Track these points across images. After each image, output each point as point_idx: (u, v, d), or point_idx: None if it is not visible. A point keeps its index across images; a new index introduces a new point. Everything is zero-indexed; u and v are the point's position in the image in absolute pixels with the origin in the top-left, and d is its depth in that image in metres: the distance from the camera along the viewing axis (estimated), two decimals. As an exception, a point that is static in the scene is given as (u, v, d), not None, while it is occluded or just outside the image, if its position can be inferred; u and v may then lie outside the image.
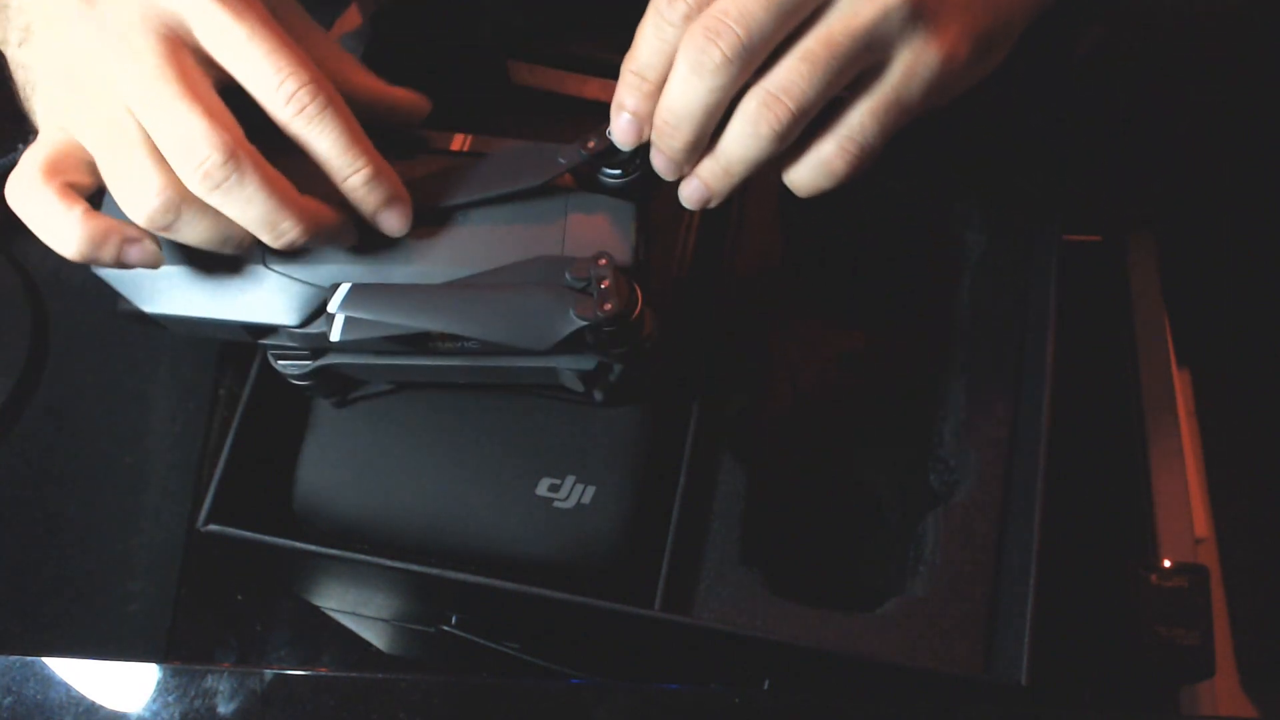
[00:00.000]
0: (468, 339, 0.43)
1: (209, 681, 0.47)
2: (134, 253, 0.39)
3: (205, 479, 0.60)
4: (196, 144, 0.37)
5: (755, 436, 0.53)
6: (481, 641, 0.57)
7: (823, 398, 0.58)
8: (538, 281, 0.42)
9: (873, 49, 0.37)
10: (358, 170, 0.40)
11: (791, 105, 0.37)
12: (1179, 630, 0.54)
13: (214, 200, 0.38)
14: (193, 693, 0.46)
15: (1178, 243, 0.67)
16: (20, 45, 0.42)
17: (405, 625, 0.63)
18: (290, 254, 0.42)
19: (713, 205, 0.41)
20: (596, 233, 0.43)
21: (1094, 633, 0.56)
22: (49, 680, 0.47)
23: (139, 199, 0.38)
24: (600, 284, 0.40)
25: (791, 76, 0.37)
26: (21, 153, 0.63)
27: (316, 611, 0.63)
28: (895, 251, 0.61)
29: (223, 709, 0.46)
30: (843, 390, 0.58)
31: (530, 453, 0.49)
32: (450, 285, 0.42)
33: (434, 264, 0.43)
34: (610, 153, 0.42)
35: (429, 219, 0.43)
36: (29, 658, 0.47)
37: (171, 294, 0.43)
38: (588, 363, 0.45)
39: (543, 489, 0.49)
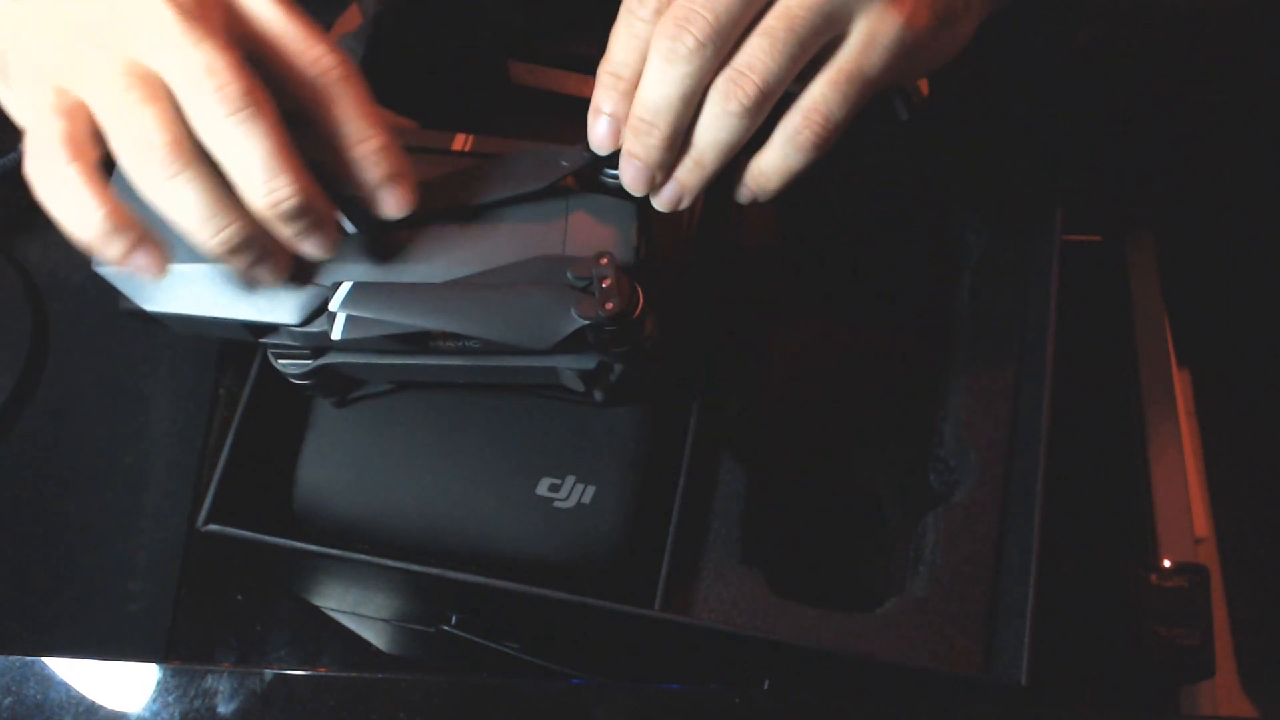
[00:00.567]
0: (469, 338, 0.43)
1: (209, 681, 0.47)
2: (143, 253, 0.39)
3: (205, 479, 0.60)
4: (220, 73, 0.36)
5: (755, 436, 0.53)
6: (481, 641, 0.57)
7: (823, 398, 0.58)
8: (539, 281, 0.42)
9: (832, 21, 0.38)
10: (369, 138, 0.40)
11: (757, 80, 0.38)
12: (1179, 630, 0.54)
13: (224, 129, 0.37)
14: (193, 693, 0.46)
15: (1178, 243, 0.67)
16: None
17: (405, 625, 0.63)
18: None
19: (684, 205, 0.42)
20: (597, 232, 0.43)
21: (1094, 633, 0.56)
22: (49, 680, 0.47)
23: (149, 139, 0.37)
24: (602, 283, 0.40)
25: (755, 53, 0.38)
26: (22, 153, 0.63)
27: (316, 611, 0.63)
28: (895, 251, 0.61)
29: (223, 709, 0.46)
30: (843, 390, 0.58)
31: (530, 452, 0.49)
32: (452, 284, 0.42)
33: (435, 263, 0.43)
34: (612, 154, 0.42)
35: (431, 220, 0.43)
36: (29, 658, 0.47)
37: (173, 292, 0.43)
38: (588, 362, 0.45)
39: (543, 489, 0.49)
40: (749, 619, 0.48)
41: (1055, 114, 0.58)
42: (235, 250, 0.39)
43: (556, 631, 0.56)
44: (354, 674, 0.47)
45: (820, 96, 0.39)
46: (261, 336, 0.45)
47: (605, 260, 0.41)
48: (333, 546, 0.47)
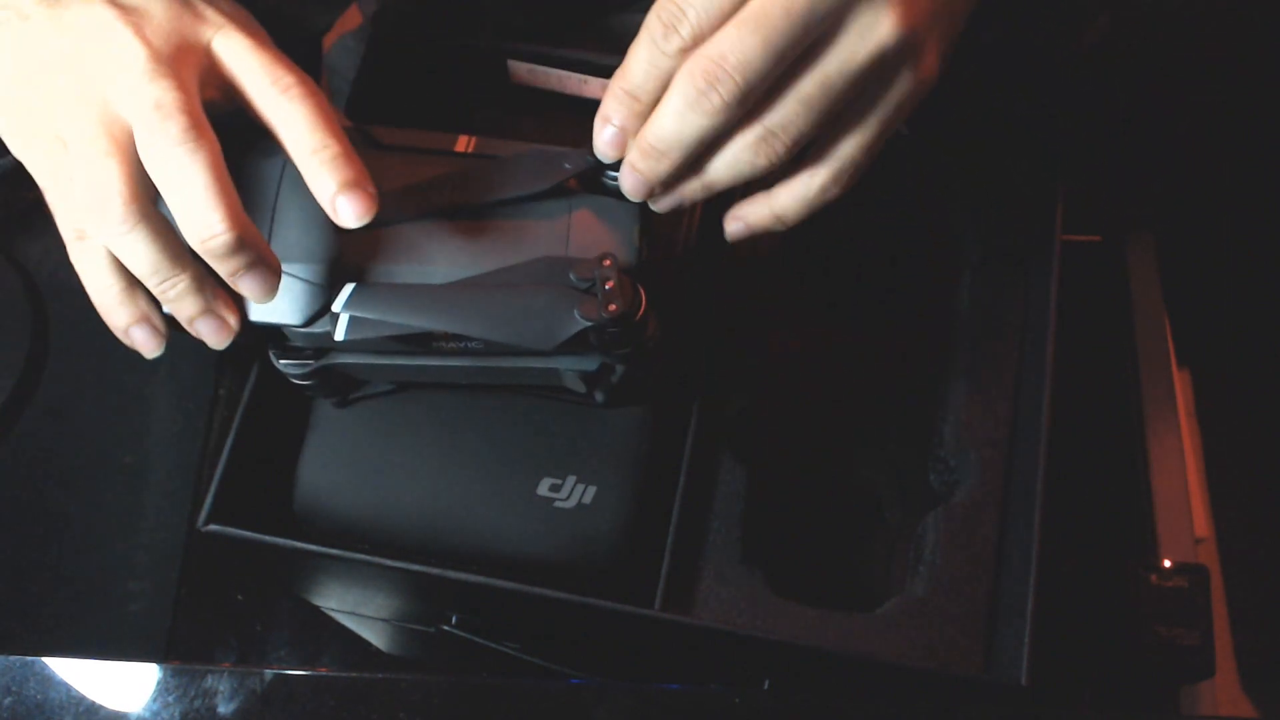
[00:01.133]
0: (471, 339, 0.43)
1: (209, 681, 0.47)
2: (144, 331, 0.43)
3: (205, 479, 0.60)
4: (167, 106, 0.38)
5: (755, 436, 0.53)
6: (481, 641, 0.57)
7: (823, 398, 0.58)
8: (542, 282, 0.42)
9: (867, 86, 0.39)
10: (324, 148, 0.40)
11: (788, 141, 0.39)
12: (1179, 630, 0.54)
13: (166, 161, 0.38)
14: (193, 693, 0.46)
15: (1178, 243, 0.67)
16: None
17: (405, 625, 0.63)
18: (295, 253, 0.42)
19: (683, 208, 0.43)
20: (600, 234, 0.43)
21: (1094, 633, 0.56)
22: (49, 680, 0.47)
23: (108, 193, 0.39)
24: (605, 285, 0.40)
25: (789, 116, 0.38)
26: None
27: (316, 611, 0.63)
28: (895, 252, 0.61)
29: (223, 709, 0.46)
30: (843, 390, 0.58)
31: (531, 453, 0.49)
32: (454, 285, 0.42)
33: (438, 264, 0.43)
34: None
35: (433, 220, 0.43)
36: (29, 658, 0.47)
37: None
38: (590, 363, 0.45)
39: (543, 489, 0.49)
40: (749, 619, 0.48)
41: (1055, 114, 0.58)
42: (179, 299, 0.41)
43: (556, 631, 0.56)
44: (354, 674, 0.47)
45: (851, 159, 0.41)
46: (263, 337, 0.45)
47: (608, 262, 0.41)
48: (333, 546, 0.47)
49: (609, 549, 0.49)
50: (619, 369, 0.45)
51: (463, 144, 0.45)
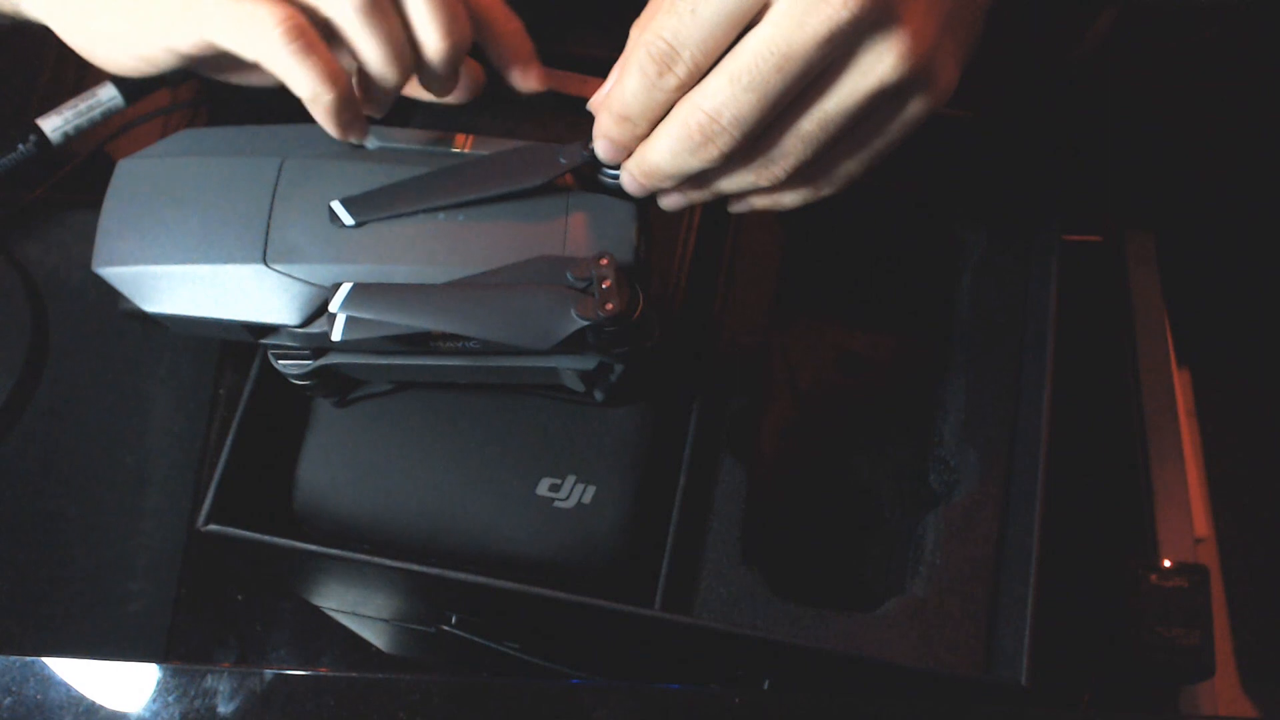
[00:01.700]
0: (469, 339, 0.43)
1: (209, 681, 0.47)
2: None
3: (205, 479, 0.60)
4: None
5: (755, 436, 0.53)
6: (481, 641, 0.57)
7: (823, 398, 0.58)
8: (539, 281, 0.42)
9: (873, 114, 0.38)
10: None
11: (789, 168, 0.39)
12: (1179, 630, 0.54)
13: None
14: (193, 693, 0.46)
15: (1177, 243, 0.67)
16: None
17: (405, 625, 0.63)
18: (291, 254, 0.42)
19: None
20: (597, 232, 0.43)
21: (1094, 633, 0.56)
22: (49, 680, 0.47)
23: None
24: (602, 284, 0.40)
25: (789, 149, 0.39)
26: (22, 153, 0.64)
27: (316, 611, 0.63)
28: (895, 251, 0.61)
29: (223, 709, 0.46)
30: (843, 390, 0.58)
31: (530, 452, 0.49)
32: (452, 285, 0.42)
33: (435, 264, 0.43)
34: None
35: (430, 219, 0.43)
36: (29, 658, 0.47)
37: (173, 293, 0.43)
38: (588, 362, 0.45)
39: (543, 489, 0.49)
40: (749, 619, 0.48)
41: (1056, 114, 0.58)
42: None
43: (556, 631, 0.56)
44: (354, 674, 0.47)
45: (854, 175, 0.41)
46: (261, 337, 0.45)
47: (606, 261, 0.41)
48: (333, 546, 0.47)
49: (609, 549, 0.49)
50: (617, 368, 0.45)
51: (460, 143, 0.45)
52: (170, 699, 0.46)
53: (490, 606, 0.53)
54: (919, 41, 0.36)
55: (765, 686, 0.53)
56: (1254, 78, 0.66)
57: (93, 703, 0.47)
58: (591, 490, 0.49)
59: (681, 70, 0.36)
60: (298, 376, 0.47)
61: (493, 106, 0.50)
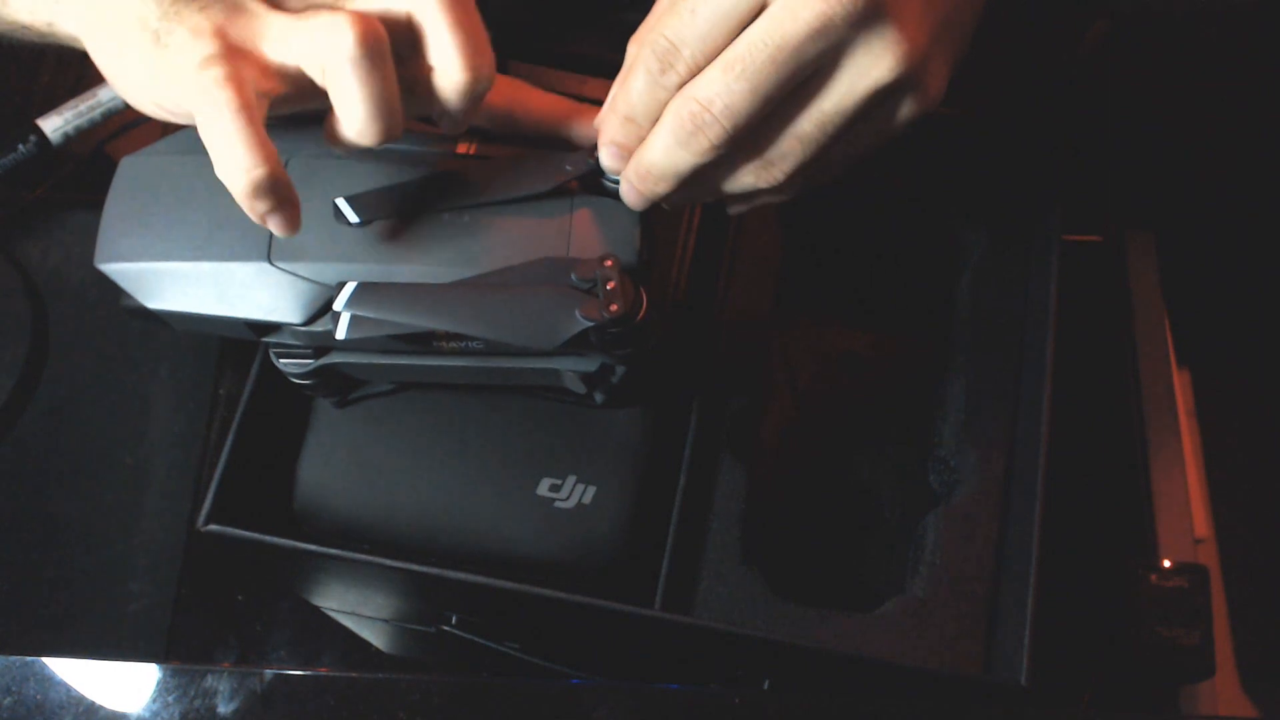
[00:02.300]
0: (472, 339, 0.43)
1: (209, 681, 0.47)
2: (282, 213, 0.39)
3: (205, 479, 0.60)
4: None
5: (755, 436, 0.53)
6: (481, 641, 0.57)
7: (823, 398, 0.58)
8: (543, 282, 0.42)
9: (867, 116, 0.38)
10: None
11: (787, 169, 0.39)
12: (1179, 630, 0.54)
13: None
14: (193, 693, 0.46)
15: (1178, 243, 0.67)
16: None
17: (405, 625, 0.63)
18: (295, 252, 0.42)
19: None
20: (601, 234, 0.43)
21: (1094, 633, 0.56)
22: (49, 680, 0.47)
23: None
24: (606, 285, 0.40)
25: (786, 150, 0.39)
26: (22, 153, 0.64)
27: (316, 611, 0.63)
28: (895, 251, 0.61)
29: (223, 709, 0.46)
30: (843, 390, 0.58)
31: (531, 453, 0.49)
32: (456, 285, 0.42)
33: (439, 264, 0.43)
34: None
35: (435, 220, 0.43)
36: (29, 658, 0.47)
37: (176, 290, 0.43)
38: (591, 364, 0.45)
39: (543, 489, 0.49)
40: (749, 619, 0.48)
41: (1055, 114, 0.58)
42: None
43: (556, 631, 0.56)
44: (354, 674, 0.47)
45: (848, 167, 0.41)
46: (264, 335, 0.45)
47: (610, 263, 0.41)
48: (333, 546, 0.47)
49: (609, 549, 0.49)
50: (619, 370, 0.45)
51: (463, 148, 0.45)
52: (170, 699, 0.46)
53: (490, 606, 0.53)
54: (914, 44, 0.37)
55: (765, 686, 0.53)
56: (1254, 78, 0.66)
57: (93, 703, 0.47)
58: (592, 491, 0.49)
59: (682, 68, 0.37)
60: (299, 375, 0.47)
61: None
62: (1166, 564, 0.56)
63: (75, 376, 0.63)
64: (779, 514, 0.54)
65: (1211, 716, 0.57)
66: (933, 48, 0.38)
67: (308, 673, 0.47)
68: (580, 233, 0.43)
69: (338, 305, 0.42)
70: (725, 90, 0.36)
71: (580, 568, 0.49)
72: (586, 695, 0.47)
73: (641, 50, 0.38)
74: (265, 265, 0.43)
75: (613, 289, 0.40)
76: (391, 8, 0.39)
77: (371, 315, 0.41)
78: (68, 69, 0.71)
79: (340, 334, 0.42)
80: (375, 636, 0.65)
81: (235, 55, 0.39)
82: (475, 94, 0.40)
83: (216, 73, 0.37)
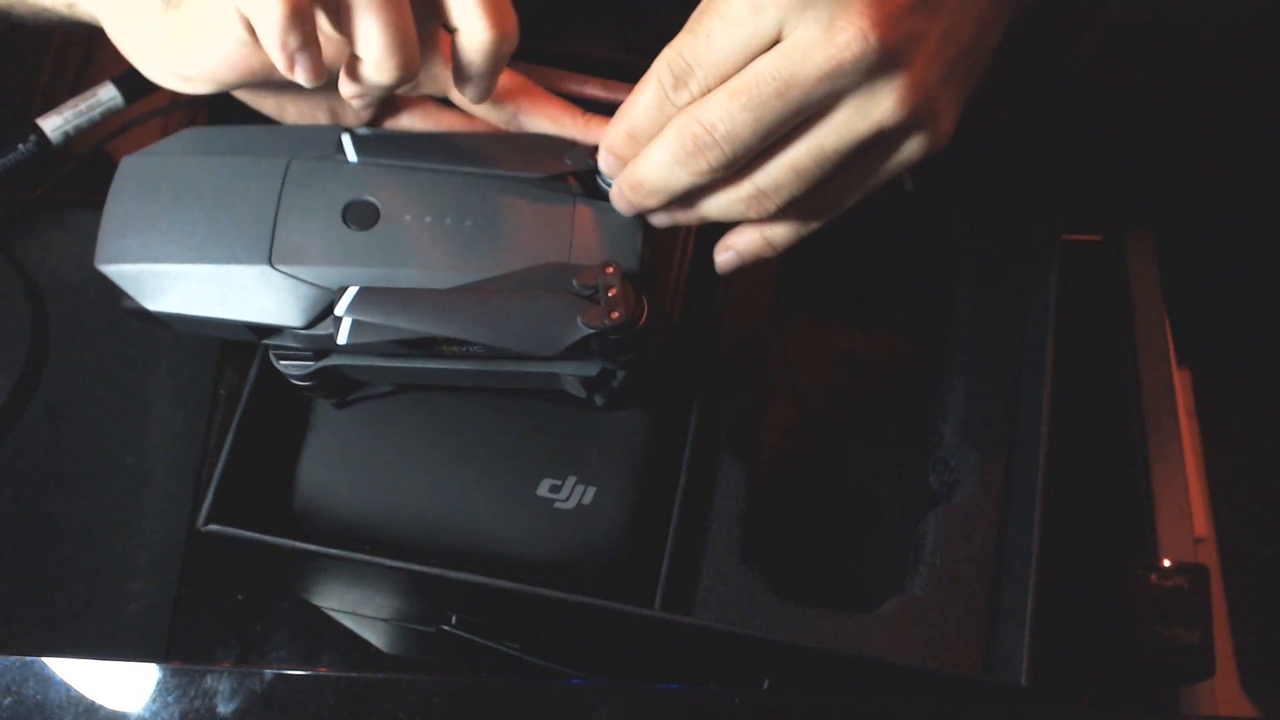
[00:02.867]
0: (473, 343, 0.43)
1: (209, 681, 0.47)
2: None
3: (205, 479, 0.60)
4: None
5: (755, 436, 0.53)
6: (481, 641, 0.57)
7: (823, 398, 0.58)
8: (545, 288, 0.42)
9: (867, 154, 0.39)
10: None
11: (780, 201, 0.39)
12: (1179, 630, 0.54)
13: None
14: (193, 693, 0.46)
15: (1178, 243, 0.67)
16: None
17: (405, 625, 0.63)
18: (297, 255, 0.42)
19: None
20: (603, 240, 0.43)
21: (1094, 633, 0.56)
22: (49, 680, 0.47)
23: None
24: (608, 292, 0.40)
25: (781, 181, 0.39)
26: (22, 153, 0.64)
27: (316, 611, 0.63)
28: (895, 252, 0.61)
29: (223, 709, 0.46)
30: (843, 390, 0.58)
31: (531, 453, 0.50)
32: (458, 290, 0.42)
33: (441, 269, 0.43)
34: None
35: (437, 221, 0.43)
36: (29, 658, 0.47)
37: (176, 292, 0.43)
38: (591, 369, 0.45)
39: (543, 489, 0.49)
40: (749, 619, 0.48)
41: (1055, 114, 0.58)
42: None
43: (557, 631, 0.56)
44: (354, 674, 0.47)
45: (845, 207, 0.41)
46: (265, 338, 0.45)
47: (611, 269, 0.41)
48: (333, 546, 0.47)
49: (609, 549, 0.49)
50: (619, 374, 0.45)
51: None
52: (170, 699, 0.46)
53: (490, 606, 0.53)
54: (920, 88, 0.37)
55: (765, 686, 0.53)
56: (1254, 78, 0.66)
57: (93, 703, 0.47)
58: (592, 491, 0.49)
59: (695, 87, 0.37)
60: (299, 377, 0.47)
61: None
62: (1166, 564, 0.56)
63: (75, 376, 0.63)
64: (779, 514, 0.54)
65: (1211, 716, 0.57)
66: (942, 88, 0.38)
67: (308, 673, 0.47)
68: (582, 239, 0.43)
69: (339, 310, 0.41)
70: (729, 116, 0.36)
71: (580, 568, 0.49)
72: (586, 695, 0.47)
73: (658, 65, 0.38)
74: (266, 268, 0.43)
75: (614, 296, 0.40)
76: None
77: (373, 320, 0.41)
78: (68, 69, 0.71)
79: (342, 339, 0.42)
80: (375, 636, 0.65)
81: None
82: (500, 54, 0.40)
83: None
